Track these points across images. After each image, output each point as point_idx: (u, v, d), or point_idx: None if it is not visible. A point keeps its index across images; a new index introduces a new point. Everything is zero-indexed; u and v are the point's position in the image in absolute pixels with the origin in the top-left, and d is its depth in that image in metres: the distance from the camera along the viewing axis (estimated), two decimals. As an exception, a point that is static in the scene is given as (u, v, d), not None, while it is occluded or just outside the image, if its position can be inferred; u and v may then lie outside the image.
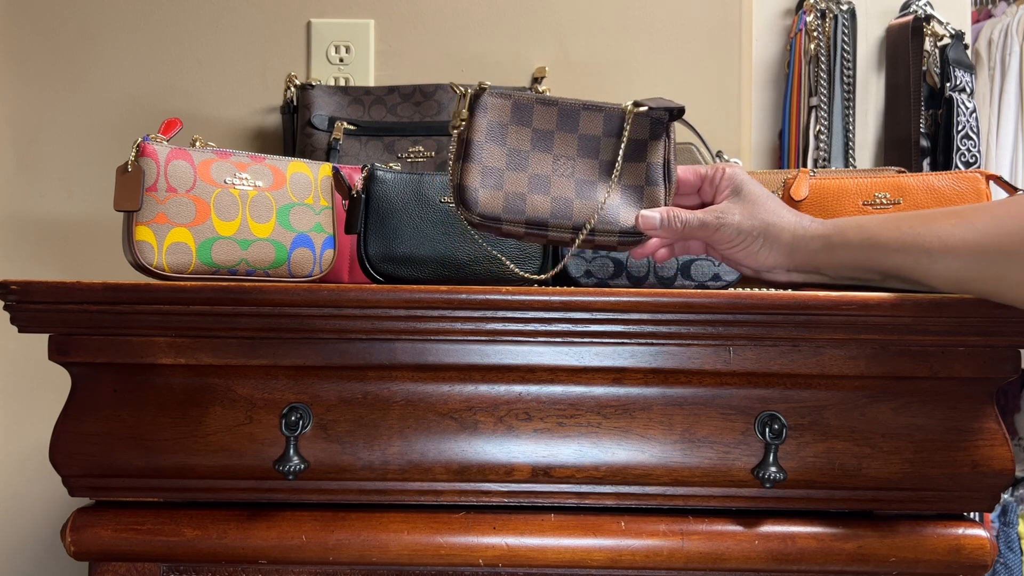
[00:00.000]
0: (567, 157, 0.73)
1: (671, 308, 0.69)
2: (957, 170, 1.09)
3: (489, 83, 0.72)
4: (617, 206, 0.73)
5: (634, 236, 0.73)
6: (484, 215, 0.71)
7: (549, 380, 0.73)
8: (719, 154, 1.12)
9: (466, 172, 0.71)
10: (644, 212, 0.73)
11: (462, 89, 0.71)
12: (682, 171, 0.77)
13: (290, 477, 0.70)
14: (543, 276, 0.81)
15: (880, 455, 0.73)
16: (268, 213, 0.78)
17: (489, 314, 0.69)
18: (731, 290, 0.77)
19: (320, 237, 0.82)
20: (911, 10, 1.22)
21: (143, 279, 0.72)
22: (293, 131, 1.18)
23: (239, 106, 1.26)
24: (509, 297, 0.68)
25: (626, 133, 0.73)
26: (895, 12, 1.26)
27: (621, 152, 0.73)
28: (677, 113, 0.74)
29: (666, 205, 0.74)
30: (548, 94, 0.76)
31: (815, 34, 1.23)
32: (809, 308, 0.69)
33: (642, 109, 0.73)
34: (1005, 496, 1.55)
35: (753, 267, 0.76)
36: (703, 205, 0.77)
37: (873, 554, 0.72)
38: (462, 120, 0.71)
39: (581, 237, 0.72)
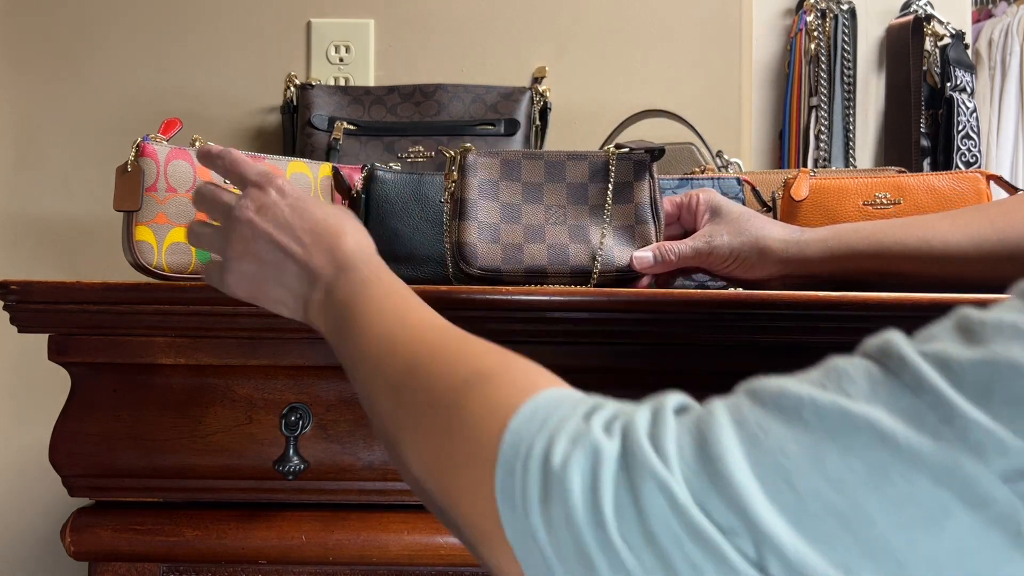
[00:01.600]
0: (558, 205, 0.76)
1: (672, 308, 0.69)
2: (957, 170, 1.09)
3: (471, 145, 0.76)
4: (611, 247, 0.76)
5: (631, 274, 0.76)
6: (484, 268, 0.74)
7: (549, 380, 0.73)
8: (719, 154, 1.12)
9: (463, 230, 0.74)
10: (637, 253, 0.76)
11: (451, 152, 0.75)
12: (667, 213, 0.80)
13: (290, 477, 0.70)
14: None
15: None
16: (268, 213, 0.78)
17: (489, 314, 0.69)
18: (729, 290, 0.77)
19: (320, 237, 0.82)
20: (911, 10, 1.22)
21: (143, 279, 0.72)
22: (293, 131, 1.18)
23: (239, 106, 1.26)
24: (509, 297, 0.68)
25: (611, 176, 0.77)
26: (895, 12, 1.26)
27: (609, 196, 0.76)
28: (658, 154, 0.78)
29: (657, 241, 0.77)
30: (533, 149, 0.82)
31: (815, 34, 1.23)
32: (810, 308, 0.69)
33: (623, 151, 0.77)
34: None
35: (749, 280, 0.76)
36: (686, 233, 0.79)
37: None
38: (453, 181, 0.75)
39: (595, 281, 0.75)
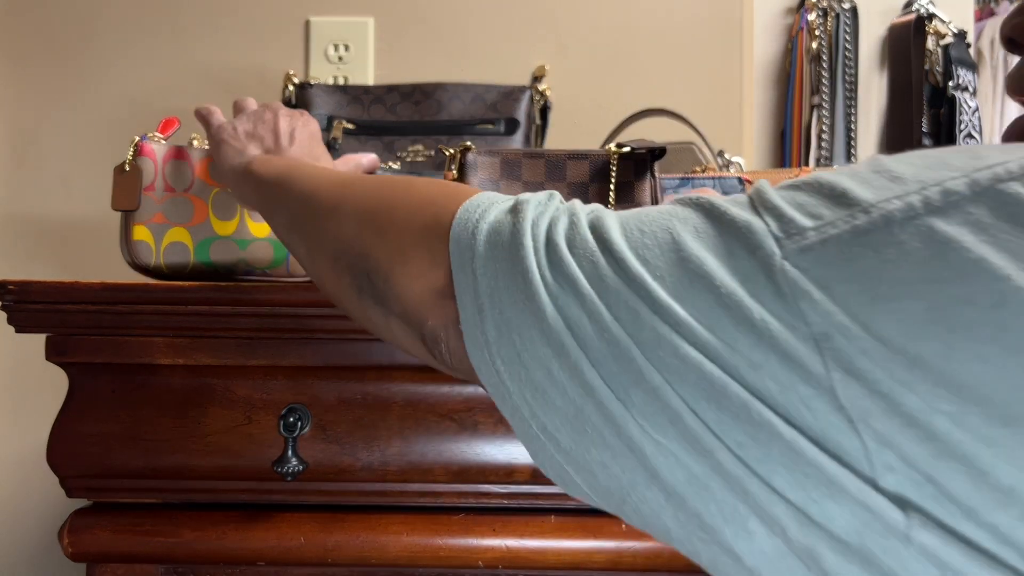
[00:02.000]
0: None
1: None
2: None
3: (471, 144, 0.76)
4: None
5: None
6: None
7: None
8: (720, 153, 1.11)
9: None
10: None
11: (451, 151, 0.74)
12: None
13: (289, 478, 0.70)
14: None
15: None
16: (267, 212, 0.78)
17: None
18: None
19: (319, 237, 0.82)
20: (913, 8, 1.22)
21: (141, 279, 0.72)
22: (292, 130, 1.17)
23: (238, 105, 1.26)
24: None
25: (613, 176, 0.76)
26: (897, 10, 1.25)
27: (611, 195, 0.76)
28: (659, 153, 0.77)
29: None
30: (533, 148, 0.80)
31: (817, 33, 1.23)
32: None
33: (625, 150, 0.76)
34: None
35: None
36: None
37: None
38: (452, 180, 0.74)
39: None
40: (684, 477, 0.31)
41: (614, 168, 0.77)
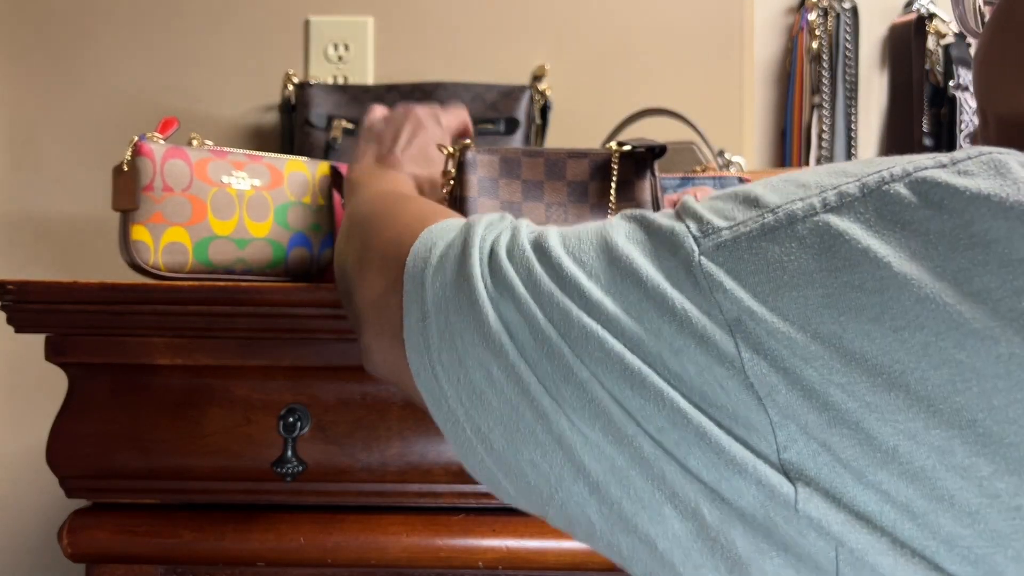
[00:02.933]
0: (559, 204, 0.76)
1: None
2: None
3: (469, 141, 0.75)
4: None
5: None
6: None
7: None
8: (721, 153, 1.11)
9: None
10: None
11: (449, 149, 0.73)
12: None
13: (288, 479, 0.69)
14: None
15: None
16: (265, 212, 0.78)
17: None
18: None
19: (318, 236, 0.81)
20: (914, 8, 1.22)
21: (140, 279, 0.72)
22: (291, 129, 1.17)
23: (237, 104, 1.25)
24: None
25: (614, 174, 0.76)
26: (898, 10, 1.25)
27: (612, 194, 0.76)
28: (659, 151, 0.77)
29: None
30: (533, 146, 0.79)
31: (817, 32, 1.22)
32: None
33: (625, 148, 0.76)
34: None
35: None
36: None
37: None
38: (451, 179, 0.73)
39: None
40: (607, 467, 0.34)
41: (615, 166, 0.76)
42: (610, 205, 0.76)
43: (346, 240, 0.54)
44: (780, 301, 0.31)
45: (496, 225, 0.42)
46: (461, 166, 0.73)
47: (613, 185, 0.76)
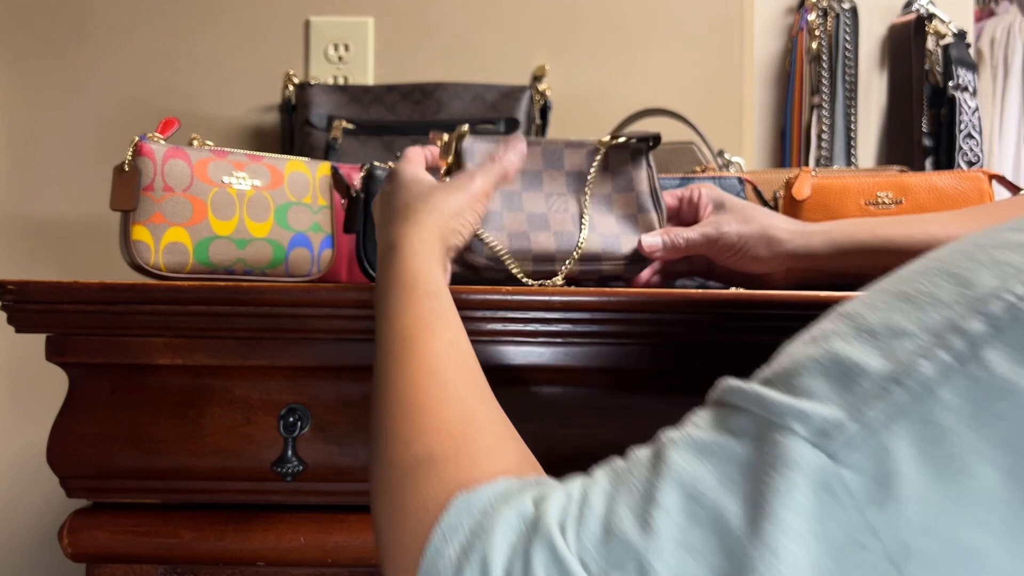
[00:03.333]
0: (558, 194, 0.75)
1: (672, 308, 0.69)
2: (959, 169, 1.08)
3: (467, 128, 0.72)
4: (617, 235, 0.75)
5: (639, 261, 0.76)
6: (491, 257, 0.71)
7: (549, 380, 0.72)
8: (720, 153, 1.11)
9: None
10: (645, 237, 0.75)
11: (445, 137, 0.70)
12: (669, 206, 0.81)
13: (288, 479, 0.70)
14: (548, 281, 0.79)
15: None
16: (266, 212, 0.78)
17: (489, 314, 0.69)
18: (731, 290, 0.76)
19: (318, 236, 0.81)
20: (913, 8, 1.22)
21: (140, 279, 0.72)
22: (291, 130, 1.17)
23: (237, 105, 1.26)
24: (509, 297, 0.68)
25: (609, 165, 0.76)
26: (897, 10, 1.25)
27: (612, 184, 0.76)
28: (653, 143, 0.77)
29: (659, 227, 0.76)
30: (531, 136, 0.77)
31: (817, 32, 1.23)
32: (811, 308, 0.69)
33: (620, 140, 0.76)
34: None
35: (752, 273, 0.76)
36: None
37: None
38: (448, 166, 0.70)
39: (588, 267, 0.74)
40: None
41: (610, 158, 0.76)
42: (609, 195, 0.76)
43: (378, 391, 0.46)
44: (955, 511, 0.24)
45: (519, 521, 0.34)
46: (458, 154, 0.71)
47: (611, 176, 0.76)
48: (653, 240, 0.75)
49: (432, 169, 0.70)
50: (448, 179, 0.66)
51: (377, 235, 0.62)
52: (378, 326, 0.52)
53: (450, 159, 0.71)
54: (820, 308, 0.68)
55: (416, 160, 0.66)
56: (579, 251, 0.74)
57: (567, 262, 0.74)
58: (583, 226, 0.75)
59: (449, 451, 0.40)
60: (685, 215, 0.79)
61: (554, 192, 0.75)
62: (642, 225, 0.76)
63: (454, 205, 0.60)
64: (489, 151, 0.70)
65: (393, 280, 0.53)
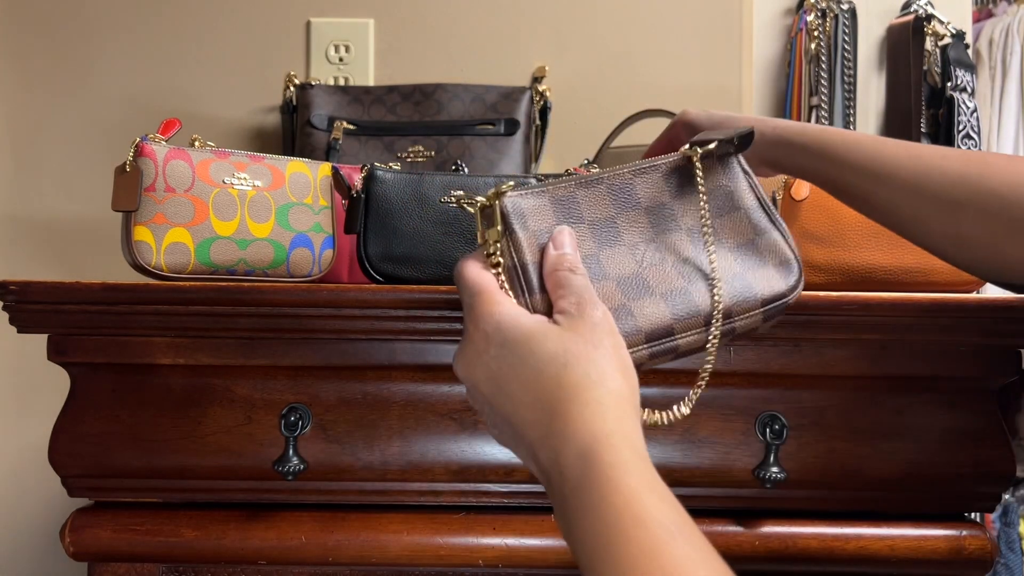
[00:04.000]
0: (644, 242, 0.56)
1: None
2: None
3: (510, 185, 0.53)
4: (742, 274, 0.56)
5: (780, 303, 0.56)
6: None
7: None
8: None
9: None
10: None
11: (478, 203, 0.52)
12: (650, 149, 0.76)
13: (289, 478, 0.70)
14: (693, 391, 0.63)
15: (881, 455, 0.72)
16: (267, 213, 0.78)
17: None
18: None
19: (319, 237, 0.82)
20: (912, 9, 1.22)
21: (142, 279, 0.72)
22: (292, 131, 1.18)
23: (238, 106, 1.26)
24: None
25: (701, 183, 0.57)
26: (896, 12, 1.26)
27: (705, 209, 0.56)
28: (740, 141, 0.58)
29: (793, 253, 0.58)
30: (588, 173, 0.58)
31: (816, 33, 1.23)
32: (810, 308, 0.69)
33: (710, 147, 0.57)
34: (1006, 496, 1.54)
35: None
36: None
37: (874, 554, 0.72)
38: (496, 244, 0.52)
39: (720, 328, 0.54)
40: None
41: (700, 175, 0.57)
42: (705, 226, 0.56)
43: None
44: None
45: None
46: (505, 221, 0.52)
47: (703, 198, 0.56)
48: None
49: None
50: (500, 268, 0.51)
51: (499, 418, 0.46)
52: (594, 565, 0.38)
53: (498, 228, 0.52)
54: (822, 309, 0.69)
55: (492, 289, 0.48)
56: (701, 313, 0.54)
57: (695, 332, 0.54)
58: (714, 276, 0.55)
59: None
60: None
61: (639, 240, 0.56)
62: (767, 252, 0.57)
63: (610, 347, 0.45)
64: (538, 207, 0.54)
65: (603, 509, 0.38)
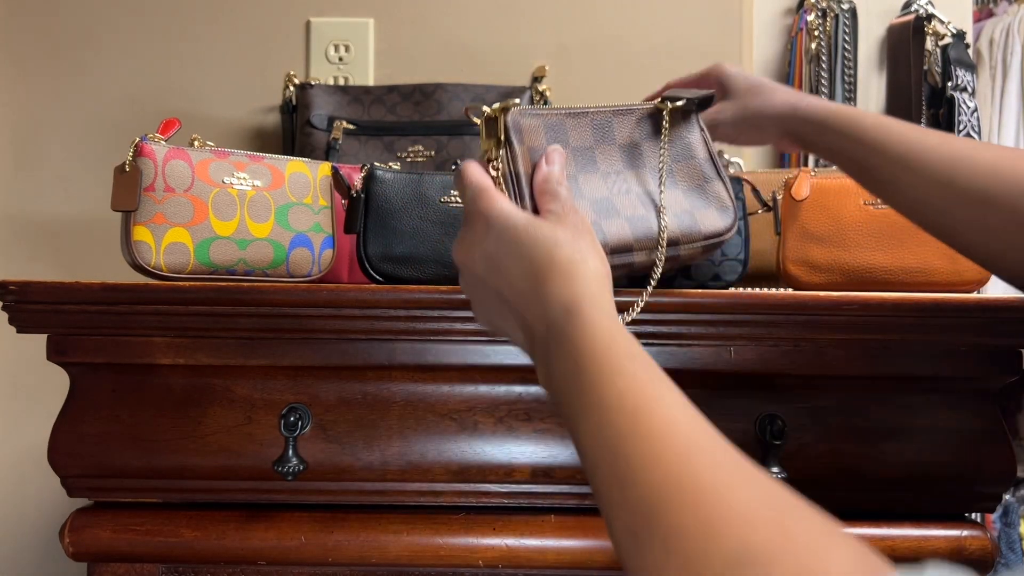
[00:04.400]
0: (616, 172, 0.66)
1: (671, 308, 0.69)
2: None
3: (516, 102, 0.60)
4: (690, 211, 0.66)
5: (717, 239, 0.67)
6: None
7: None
8: (720, 153, 1.12)
9: None
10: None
11: (487, 111, 0.59)
12: (680, 81, 0.78)
13: (289, 478, 0.70)
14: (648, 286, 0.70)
15: (881, 456, 0.72)
16: (266, 213, 0.78)
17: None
18: (731, 290, 0.77)
19: (319, 237, 0.82)
20: (912, 9, 1.22)
21: (141, 279, 0.72)
22: (292, 130, 1.18)
23: (238, 105, 1.26)
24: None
25: (665, 132, 0.67)
26: (896, 11, 1.26)
27: (664, 151, 0.67)
28: (702, 102, 0.69)
29: (732, 201, 0.68)
30: (574, 106, 0.66)
31: (816, 33, 1.23)
32: (810, 308, 0.69)
33: (679, 104, 0.67)
34: (1006, 496, 1.54)
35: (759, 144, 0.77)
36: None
37: (874, 555, 0.72)
38: (499, 151, 0.58)
39: (666, 254, 0.64)
40: None
41: (666, 124, 0.67)
42: (662, 166, 0.67)
43: (614, 477, 0.38)
44: None
45: None
46: (506, 134, 0.60)
47: (664, 144, 0.67)
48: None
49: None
50: (497, 172, 0.57)
51: (491, 296, 0.51)
52: (571, 402, 0.43)
53: (500, 137, 0.59)
54: (823, 309, 0.68)
55: (492, 188, 0.54)
56: (656, 236, 0.64)
57: (648, 252, 0.64)
58: (662, 206, 0.65)
59: (776, 547, 0.32)
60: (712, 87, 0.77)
61: (611, 171, 0.66)
62: (712, 196, 0.67)
63: (591, 240, 0.51)
64: (534, 127, 0.62)
65: (583, 348, 0.44)
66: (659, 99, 0.68)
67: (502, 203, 0.52)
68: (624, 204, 0.64)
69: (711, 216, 0.67)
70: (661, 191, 0.66)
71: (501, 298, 0.50)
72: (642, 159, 0.67)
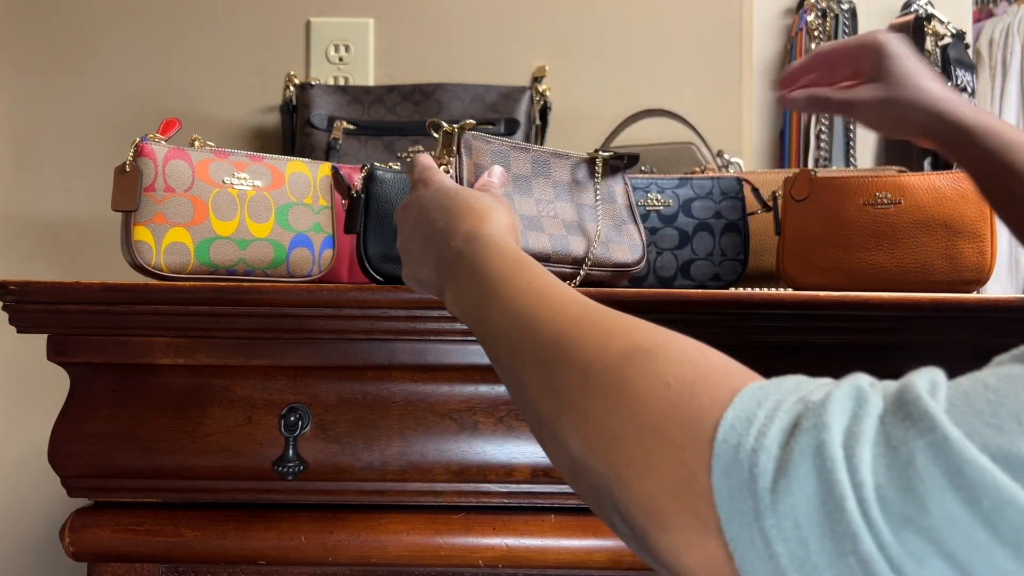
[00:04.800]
0: (548, 200, 0.78)
1: (671, 308, 0.69)
2: (959, 169, 1.09)
3: (472, 123, 0.73)
4: (607, 243, 0.79)
5: (625, 268, 0.80)
6: None
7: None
8: (720, 153, 1.12)
9: None
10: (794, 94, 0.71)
11: (449, 128, 0.70)
12: (829, 46, 0.73)
13: (289, 478, 0.70)
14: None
15: (881, 456, 0.72)
16: (267, 213, 0.78)
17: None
18: (731, 290, 0.77)
19: (319, 237, 0.82)
20: (912, 9, 1.22)
21: (142, 279, 0.72)
22: (292, 130, 1.18)
23: (238, 105, 1.26)
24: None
25: (598, 178, 0.80)
26: (896, 11, 1.26)
27: (598, 195, 0.80)
28: (629, 161, 0.82)
29: (642, 243, 0.81)
30: (520, 141, 0.79)
31: (816, 33, 1.23)
32: (810, 308, 0.69)
33: (606, 155, 0.81)
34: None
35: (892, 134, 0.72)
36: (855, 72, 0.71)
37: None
38: (449, 160, 0.70)
39: (583, 271, 0.76)
40: None
41: (599, 172, 0.80)
42: (596, 205, 0.79)
43: (528, 335, 0.43)
44: None
45: (855, 416, 0.32)
46: (459, 149, 0.72)
47: (597, 188, 0.80)
48: (797, 95, 0.71)
49: None
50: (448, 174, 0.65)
51: (417, 241, 0.58)
52: (479, 305, 0.48)
53: (453, 148, 0.71)
54: (820, 308, 0.68)
55: (438, 169, 0.63)
56: (572, 254, 0.76)
57: (563, 266, 0.75)
58: (583, 232, 0.78)
59: (658, 342, 0.38)
60: (852, 62, 0.71)
61: (544, 198, 0.78)
62: (626, 236, 0.81)
63: (508, 209, 0.58)
64: (482, 149, 0.74)
65: (488, 260, 0.50)
66: (595, 150, 0.81)
67: (442, 175, 0.61)
68: (549, 225, 0.76)
69: (623, 250, 0.80)
70: (599, 219, 0.79)
71: (424, 243, 0.57)
72: (570, 195, 0.79)
